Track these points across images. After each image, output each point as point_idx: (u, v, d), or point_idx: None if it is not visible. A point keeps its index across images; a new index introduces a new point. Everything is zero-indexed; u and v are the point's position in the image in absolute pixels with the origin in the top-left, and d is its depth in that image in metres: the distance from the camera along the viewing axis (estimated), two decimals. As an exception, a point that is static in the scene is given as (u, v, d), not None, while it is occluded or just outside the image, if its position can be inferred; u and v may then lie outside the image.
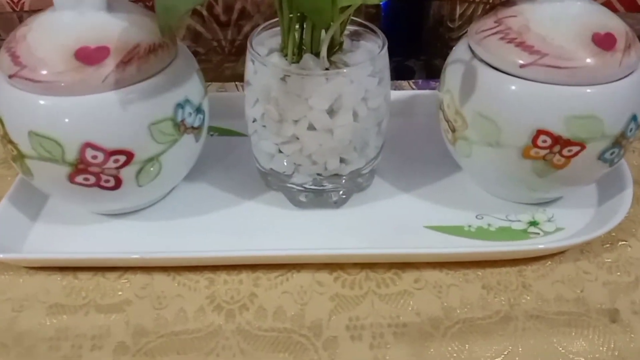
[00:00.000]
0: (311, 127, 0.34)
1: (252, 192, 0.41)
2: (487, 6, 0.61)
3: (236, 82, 0.55)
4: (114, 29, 0.32)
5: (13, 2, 0.58)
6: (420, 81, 0.56)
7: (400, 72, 0.62)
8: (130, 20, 0.33)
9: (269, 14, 0.60)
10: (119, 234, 0.38)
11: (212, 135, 0.47)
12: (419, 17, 0.67)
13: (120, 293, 0.35)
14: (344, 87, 0.33)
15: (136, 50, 0.32)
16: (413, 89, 0.54)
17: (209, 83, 0.54)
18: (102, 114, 0.32)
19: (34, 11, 0.48)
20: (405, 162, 0.44)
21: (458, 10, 0.64)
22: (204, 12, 0.62)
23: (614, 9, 0.35)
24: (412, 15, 0.68)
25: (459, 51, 0.37)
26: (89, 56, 0.31)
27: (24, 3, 0.58)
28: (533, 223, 0.39)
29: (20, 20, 0.58)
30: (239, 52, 0.64)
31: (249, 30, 0.62)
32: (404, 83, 0.55)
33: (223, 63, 0.65)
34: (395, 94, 0.49)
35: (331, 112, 0.34)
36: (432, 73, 0.62)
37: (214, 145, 0.45)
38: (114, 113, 0.32)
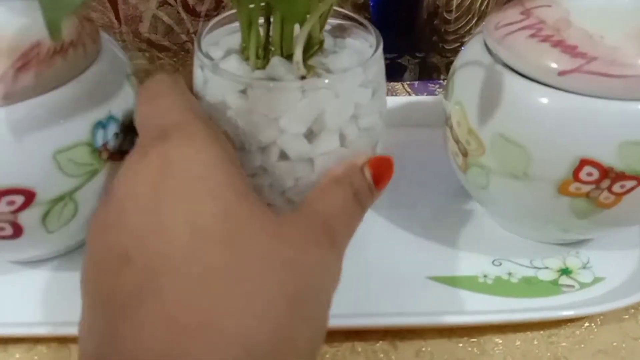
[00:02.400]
0: (284, 156, 0.26)
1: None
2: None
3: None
4: (1, 22, 0.23)
5: None
6: (416, 83, 0.47)
7: (391, 72, 0.54)
8: (25, 10, 0.24)
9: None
10: (36, 287, 0.30)
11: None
12: (414, 6, 0.59)
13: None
14: (328, 102, 0.25)
15: (35, 51, 0.23)
16: (409, 93, 0.46)
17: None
18: (-14, 140, 0.23)
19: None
20: (402, 190, 0.35)
21: (455, -1, 0.55)
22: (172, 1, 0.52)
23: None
24: (406, 3, 0.59)
25: (473, 51, 0.29)
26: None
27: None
28: (565, 271, 0.30)
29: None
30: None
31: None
32: (398, 86, 0.46)
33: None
34: (389, 102, 0.41)
35: (310, 135, 0.25)
36: (427, 72, 0.53)
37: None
38: (4, 139, 0.23)
